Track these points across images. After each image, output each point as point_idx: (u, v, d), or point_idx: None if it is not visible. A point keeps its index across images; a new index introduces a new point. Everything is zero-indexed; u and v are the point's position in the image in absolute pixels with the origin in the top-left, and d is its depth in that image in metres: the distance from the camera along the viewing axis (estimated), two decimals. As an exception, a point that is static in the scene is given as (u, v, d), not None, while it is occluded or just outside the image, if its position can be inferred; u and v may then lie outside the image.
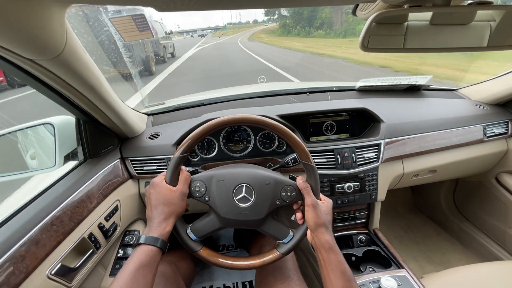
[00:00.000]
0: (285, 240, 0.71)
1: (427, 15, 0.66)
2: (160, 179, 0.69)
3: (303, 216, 0.71)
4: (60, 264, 0.64)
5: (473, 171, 1.35)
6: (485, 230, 1.47)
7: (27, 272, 0.56)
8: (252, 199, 0.69)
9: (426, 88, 1.43)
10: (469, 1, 0.51)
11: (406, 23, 0.67)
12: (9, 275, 0.52)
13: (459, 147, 1.18)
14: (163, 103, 1.28)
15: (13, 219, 0.62)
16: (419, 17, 0.68)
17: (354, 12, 0.68)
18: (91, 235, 0.75)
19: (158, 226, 0.61)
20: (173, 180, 0.68)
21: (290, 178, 0.75)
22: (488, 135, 1.21)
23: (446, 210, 1.66)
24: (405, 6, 0.54)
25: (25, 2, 0.34)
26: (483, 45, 0.67)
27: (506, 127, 1.25)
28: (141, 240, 0.59)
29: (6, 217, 0.62)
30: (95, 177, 0.84)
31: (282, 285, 0.78)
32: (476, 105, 1.30)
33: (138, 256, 0.56)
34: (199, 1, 0.32)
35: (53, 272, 0.62)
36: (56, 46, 0.46)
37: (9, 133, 0.87)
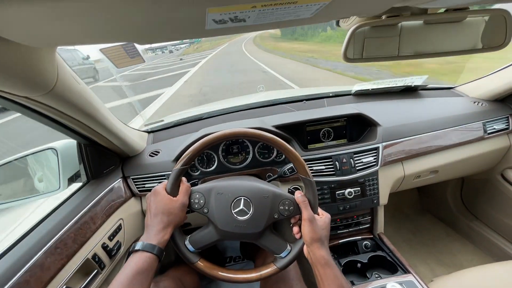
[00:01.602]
0: (282, 254, 0.72)
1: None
2: (161, 188, 0.70)
3: (300, 231, 0.71)
4: (65, 286, 0.65)
5: (477, 169, 1.33)
6: (495, 228, 1.43)
7: None
8: (250, 212, 0.70)
9: (423, 88, 1.43)
10: (445, 8, 0.52)
11: (400, 24, 0.67)
12: None
13: (459, 146, 1.17)
14: (162, 120, 1.31)
15: (18, 244, 0.64)
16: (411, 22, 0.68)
17: (337, 24, 0.70)
18: (95, 256, 0.77)
19: (157, 234, 0.62)
20: (174, 191, 0.70)
21: (289, 191, 0.75)
22: (488, 132, 1.20)
23: (454, 210, 1.63)
24: (383, 17, 0.55)
25: (14, 48, 0.37)
26: (478, 47, 0.66)
27: (506, 122, 1.23)
28: (138, 247, 0.60)
29: (12, 243, 0.65)
30: (97, 198, 0.86)
31: None
32: (474, 102, 1.29)
33: (136, 262, 0.57)
34: (170, 33, 0.34)
35: None
36: (48, 82, 0.49)
37: (15, 159, 0.90)
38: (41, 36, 0.33)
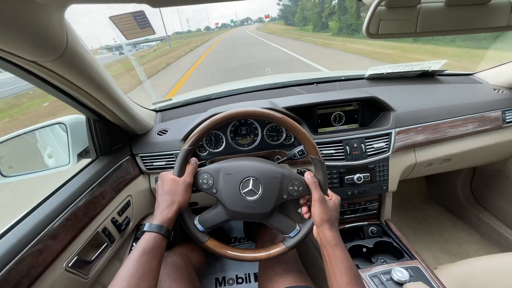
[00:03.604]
0: (291, 234, 0.72)
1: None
2: (167, 172, 0.71)
3: (309, 211, 0.70)
4: (76, 257, 0.67)
5: (492, 158, 1.29)
6: (505, 220, 1.41)
7: (45, 265, 0.59)
8: (259, 193, 0.70)
9: (440, 73, 1.37)
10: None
11: (419, 6, 0.64)
12: (29, 267, 0.56)
13: (475, 134, 1.14)
14: (171, 99, 1.29)
15: (30, 215, 0.65)
16: (433, -1, 0.64)
17: (358, -3, 0.66)
18: (105, 230, 0.78)
19: (161, 214, 0.64)
20: (180, 172, 0.70)
21: (298, 172, 0.74)
22: (507, 120, 1.15)
23: (463, 200, 1.61)
24: (412, -12, 0.51)
25: (22, 5, 0.35)
26: (503, 24, 0.63)
27: None
28: (145, 228, 0.62)
29: (24, 214, 0.65)
30: (107, 173, 0.87)
31: (282, 279, 0.79)
32: (494, 89, 1.24)
33: (142, 243, 0.59)
34: None
35: (70, 265, 0.65)
36: (57, 46, 0.47)
37: (25, 133, 0.91)
38: None
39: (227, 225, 1.70)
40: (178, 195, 0.67)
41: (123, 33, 0.58)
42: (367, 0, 0.62)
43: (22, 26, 0.38)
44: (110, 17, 0.51)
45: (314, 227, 0.68)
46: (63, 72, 0.55)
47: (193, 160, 0.74)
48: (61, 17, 0.44)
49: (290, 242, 0.71)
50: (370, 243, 1.03)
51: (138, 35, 0.60)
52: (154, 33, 0.61)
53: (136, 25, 0.56)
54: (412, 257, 0.94)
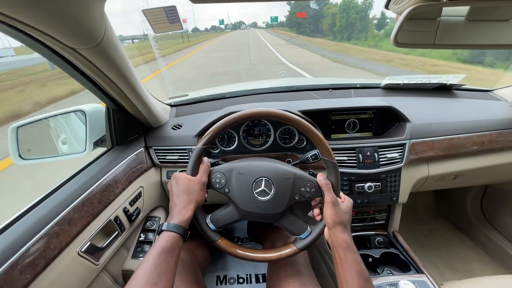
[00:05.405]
0: (302, 236, 0.71)
1: (463, 10, 0.62)
2: (180, 172, 0.71)
3: (321, 213, 0.70)
4: (89, 243, 0.68)
5: (506, 178, 1.27)
6: None
7: (60, 248, 0.60)
8: (271, 193, 0.70)
9: (458, 88, 1.35)
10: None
11: (439, 19, 0.63)
12: (45, 249, 0.57)
13: (491, 152, 1.12)
14: (186, 95, 1.31)
15: (48, 198, 0.67)
16: (454, 13, 0.64)
17: (386, 6, 0.66)
18: (117, 218, 0.79)
19: (179, 214, 0.64)
20: (194, 171, 0.70)
21: (310, 174, 0.74)
22: None
23: (472, 218, 1.58)
24: (444, 0, 0.51)
25: None
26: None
27: None
28: (163, 227, 0.62)
29: (42, 197, 0.67)
30: (121, 163, 0.88)
31: (293, 280, 0.78)
32: None
33: (161, 242, 0.59)
34: None
35: (83, 250, 0.66)
36: (96, 35, 0.49)
37: (46, 118, 0.93)
38: None
39: (231, 226, 1.71)
40: (195, 195, 0.67)
41: (152, 26, 0.59)
42: (396, 9, 0.62)
43: (68, 12, 0.39)
44: (143, 10, 0.52)
45: (326, 229, 0.68)
46: (96, 61, 0.56)
47: (206, 159, 0.74)
48: (102, 7, 0.45)
49: (301, 244, 0.71)
50: (376, 253, 1.02)
51: (166, 30, 0.61)
52: (182, 28, 0.62)
53: (166, 19, 0.57)
54: (419, 271, 0.93)
